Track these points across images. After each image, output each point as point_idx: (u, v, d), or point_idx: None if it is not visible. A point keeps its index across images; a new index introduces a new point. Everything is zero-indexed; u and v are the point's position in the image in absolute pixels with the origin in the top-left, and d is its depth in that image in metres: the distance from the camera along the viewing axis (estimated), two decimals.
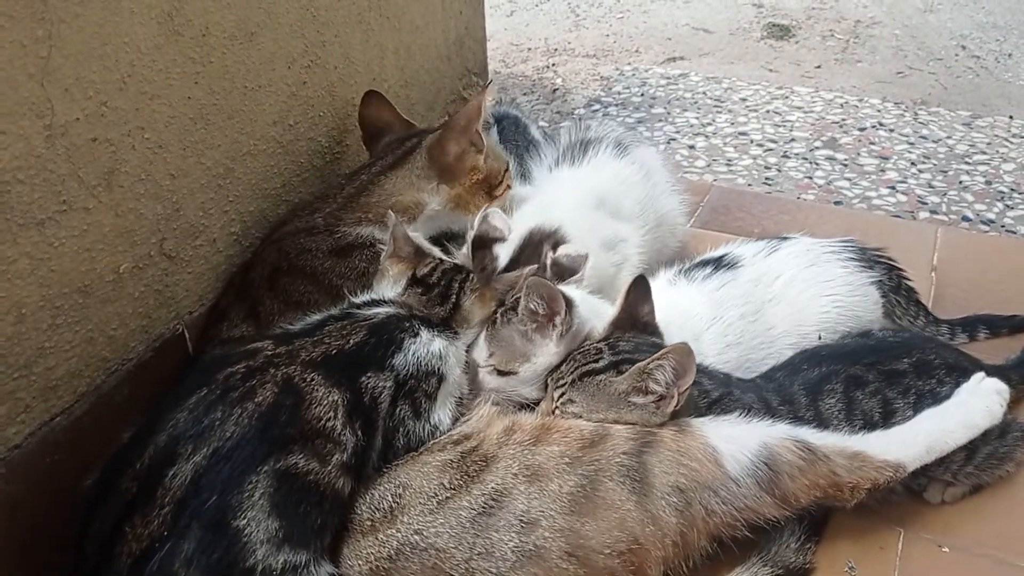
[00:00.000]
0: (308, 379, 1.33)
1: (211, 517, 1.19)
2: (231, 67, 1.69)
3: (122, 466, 1.26)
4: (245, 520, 1.20)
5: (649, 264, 1.95)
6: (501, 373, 1.55)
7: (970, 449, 1.50)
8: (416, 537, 1.32)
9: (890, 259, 1.87)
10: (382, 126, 1.99)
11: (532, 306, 1.49)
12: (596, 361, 1.46)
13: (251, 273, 1.73)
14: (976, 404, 1.46)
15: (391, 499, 1.37)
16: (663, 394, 1.40)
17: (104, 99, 1.44)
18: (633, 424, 1.41)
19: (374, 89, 2.02)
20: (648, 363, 1.38)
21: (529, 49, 3.99)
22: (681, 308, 1.69)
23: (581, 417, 1.44)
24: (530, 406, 1.55)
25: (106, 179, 1.46)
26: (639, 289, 1.53)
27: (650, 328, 1.52)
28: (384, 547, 1.33)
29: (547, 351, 1.52)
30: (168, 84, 1.55)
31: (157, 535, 1.19)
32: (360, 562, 1.34)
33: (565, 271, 1.63)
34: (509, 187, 2.00)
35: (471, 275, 1.60)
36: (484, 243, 1.72)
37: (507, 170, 2.00)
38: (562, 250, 1.67)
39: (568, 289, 1.56)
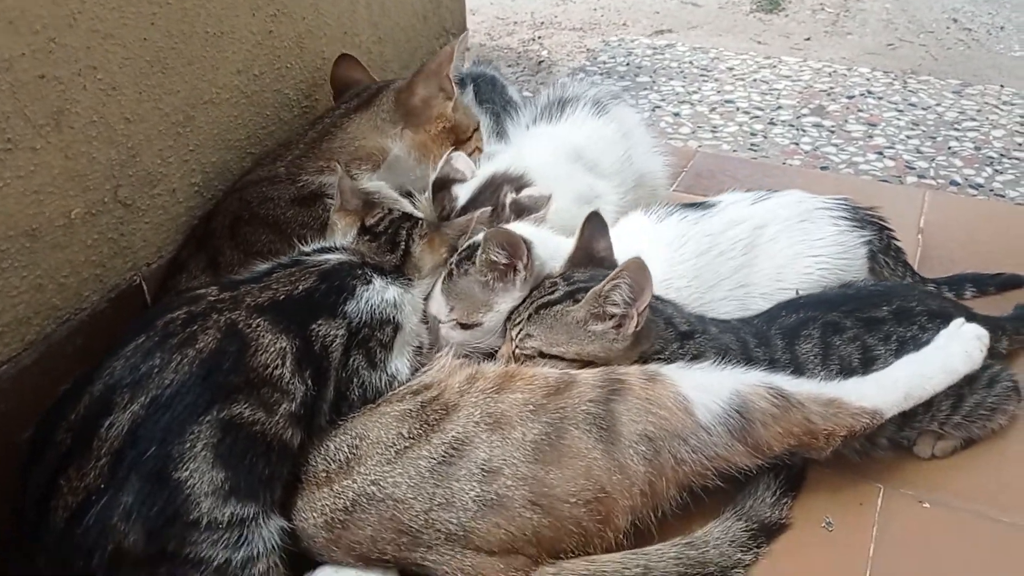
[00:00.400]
0: (254, 325, 1.27)
1: (151, 468, 1.14)
2: (191, 10, 1.63)
3: (57, 418, 1.21)
4: (187, 472, 1.15)
5: None
6: (465, 326, 1.49)
7: (957, 398, 1.46)
8: (373, 488, 1.28)
9: (881, 219, 1.82)
10: (353, 86, 1.93)
11: (493, 257, 1.44)
12: (551, 293, 1.42)
13: (212, 223, 1.68)
14: (955, 349, 1.41)
15: (347, 450, 1.32)
16: (622, 315, 1.35)
17: (52, 35, 1.38)
18: (595, 355, 1.36)
19: (347, 53, 1.97)
20: (603, 285, 1.34)
21: (515, 23, 3.93)
22: (632, 238, 1.64)
23: (541, 352, 1.39)
24: (495, 355, 1.50)
25: (55, 119, 1.40)
26: (594, 225, 1.49)
27: (607, 263, 1.48)
28: (340, 498, 1.28)
29: (510, 297, 1.47)
30: (122, 23, 1.49)
31: (93, 488, 1.14)
32: (315, 514, 1.29)
33: (525, 210, 1.58)
34: (479, 149, 1.94)
35: (420, 222, 1.55)
36: (445, 185, 1.67)
37: (477, 129, 1.95)
38: (525, 191, 1.62)
39: (525, 228, 1.51)
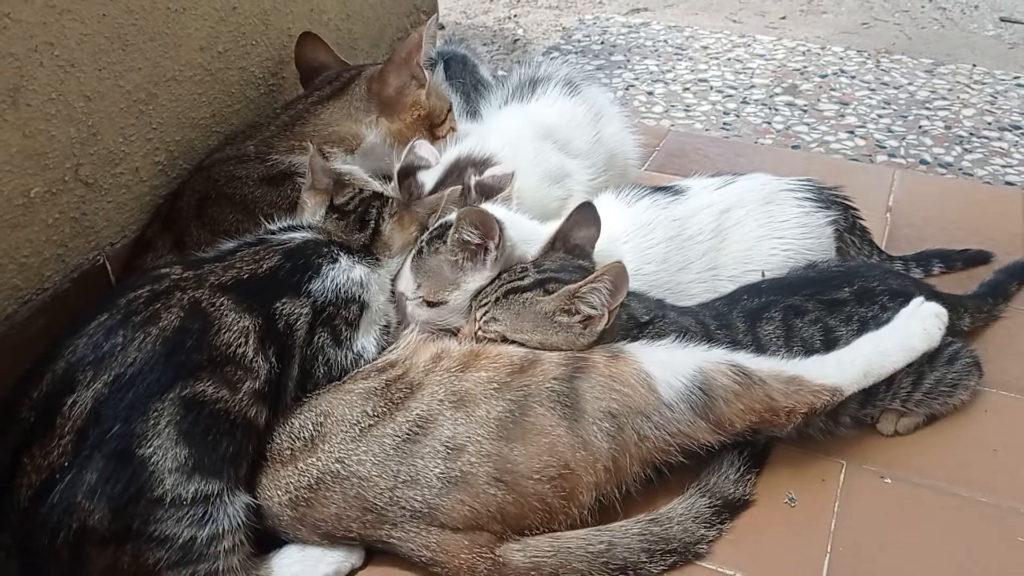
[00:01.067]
0: (217, 303, 1.26)
1: (114, 446, 1.14)
2: None
3: (20, 396, 1.20)
4: (151, 449, 1.15)
5: None
6: (431, 304, 1.49)
7: (917, 375, 1.47)
8: (337, 466, 1.28)
9: (845, 198, 1.83)
10: (318, 67, 1.91)
11: (465, 236, 1.43)
12: (521, 279, 1.42)
13: (179, 202, 1.66)
14: (914, 326, 1.43)
15: (312, 428, 1.32)
16: (592, 315, 1.36)
17: (7, 10, 1.35)
18: (557, 346, 1.37)
19: (310, 31, 1.94)
20: (581, 286, 1.34)
21: (491, 0, 3.90)
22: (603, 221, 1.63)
23: (504, 336, 1.39)
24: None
25: (11, 96, 1.38)
26: (582, 214, 1.49)
27: (579, 251, 1.48)
28: (304, 476, 1.29)
29: (479, 276, 1.46)
30: None
31: (57, 466, 1.14)
32: (279, 492, 1.29)
33: (491, 191, 1.58)
34: (453, 129, 1.93)
35: (390, 200, 1.54)
36: (411, 172, 1.66)
37: (450, 110, 1.93)
38: (488, 172, 1.61)
39: (498, 209, 1.50)
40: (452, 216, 1.48)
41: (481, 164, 1.68)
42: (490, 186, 1.59)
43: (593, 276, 1.34)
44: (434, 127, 1.88)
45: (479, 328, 1.41)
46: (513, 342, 1.39)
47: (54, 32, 1.44)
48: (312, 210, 1.51)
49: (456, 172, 1.68)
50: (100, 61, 1.53)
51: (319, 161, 1.53)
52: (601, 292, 1.34)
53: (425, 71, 1.84)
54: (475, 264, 1.46)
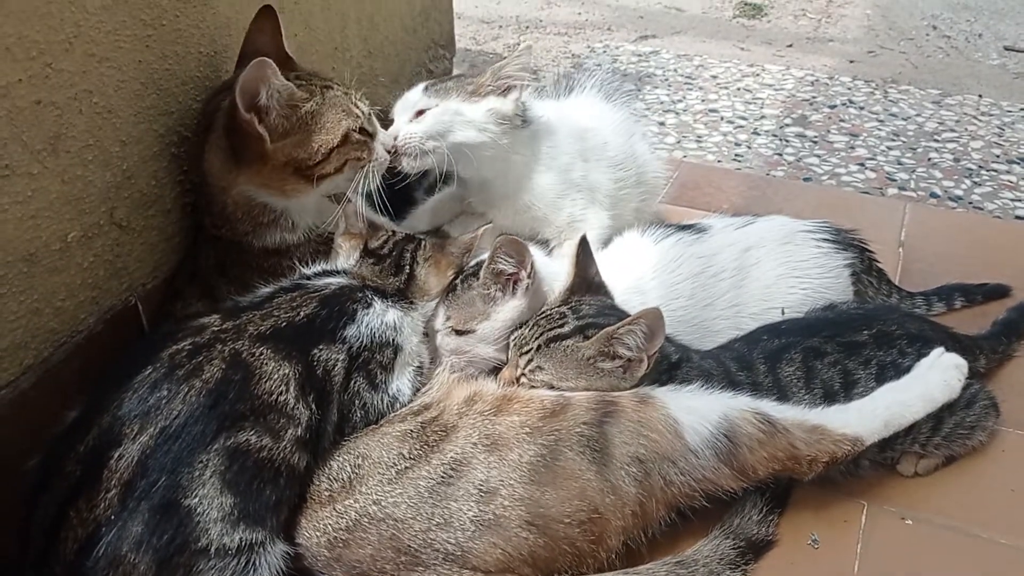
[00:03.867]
0: (257, 353, 1.29)
1: (160, 498, 1.16)
2: (185, 31, 1.64)
3: (65, 449, 1.22)
4: (196, 499, 1.17)
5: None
6: (459, 333, 1.53)
7: (936, 419, 1.50)
8: (374, 507, 1.30)
9: (862, 241, 1.87)
10: (257, 53, 1.54)
11: (500, 266, 1.48)
12: (561, 326, 1.45)
13: (199, 260, 1.68)
14: (934, 378, 1.46)
15: (350, 470, 1.35)
16: (631, 358, 1.39)
17: (49, 60, 1.38)
18: (602, 390, 1.40)
19: (270, 5, 1.66)
20: (617, 328, 1.37)
21: (500, 27, 3.95)
22: (628, 258, 1.72)
23: (551, 384, 1.43)
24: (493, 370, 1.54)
25: (51, 144, 1.41)
26: (585, 250, 1.54)
27: (602, 289, 1.53)
28: (342, 518, 1.31)
29: (509, 306, 1.51)
30: (117, 47, 1.50)
31: (103, 518, 1.16)
32: (317, 533, 1.32)
33: None
34: (358, 158, 1.59)
35: (423, 243, 1.57)
36: None
37: (344, 142, 1.56)
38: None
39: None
40: (486, 255, 1.53)
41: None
42: None
43: (630, 319, 1.37)
44: (307, 170, 1.54)
45: (523, 376, 1.44)
46: (560, 390, 1.42)
47: (93, 80, 1.46)
48: (346, 254, 1.54)
49: None
50: (136, 106, 1.56)
51: (351, 206, 1.56)
52: (637, 335, 1.37)
53: (294, 107, 1.51)
54: (505, 295, 1.52)
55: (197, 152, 1.61)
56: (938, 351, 1.49)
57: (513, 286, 1.51)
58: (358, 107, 1.61)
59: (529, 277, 1.50)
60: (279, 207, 1.59)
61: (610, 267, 1.62)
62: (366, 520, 1.30)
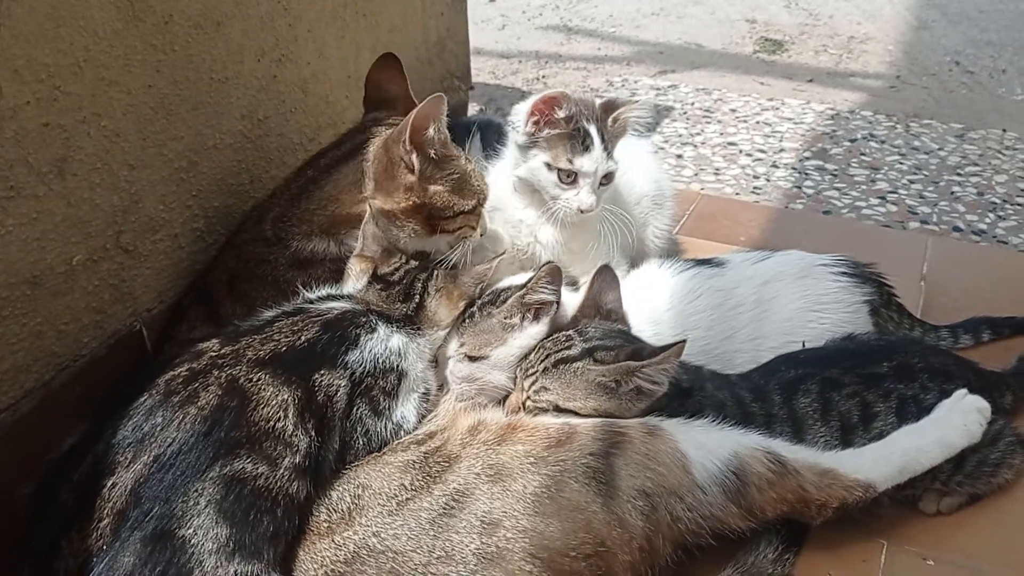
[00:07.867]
0: (254, 379, 1.26)
1: (153, 528, 1.13)
2: (196, 56, 1.64)
3: (59, 477, 1.21)
4: (191, 529, 1.14)
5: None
6: (472, 359, 1.50)
7: (958, 456, 1.44)
8: (374, 540, 1.26)
9: (880, 275, 1.83)
10: (384, 99, 1.75)
11: (540, 295, 1.48)
12: (568, 348, 1.43)
13: (210, 277, 1.67)
14: (954, 421, 1.40)
15: (349, 500, 1.31)
16: (648, 390, 1.37)
17: (57, 83, 1.39)
18: (610, 413, 1.37)
19: (391, 52, 1.81)
20: (645, 363, 1.34)
21: (520, 61, 3.96)
22: (647, 289, 1.71)
23: (557, 404, 1.39)
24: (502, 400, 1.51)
25: (58, 166, 1.41)
26: (604, 278, 1.52)
27: (614, 315, 1.50)
28: (341, 550, 1.27)
29: (528, 333, 1.50)
30: (127, 71, 1.51)
31: (95, 549, 1.13)
32: (315, 566, 1.28)
33: None
34: (471, 228, 1.66)
35: (435, 273, 1.54)
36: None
37: (472, 211, 1.65)
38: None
39: None
40: (504, 283, 1.54)
41: None
42: None
43: (661, 357, 1.34)
44: (435, 220, 1.62)
45: (528, 398, 1.41)
46: (565, 411, 1.39)
47: (102, 103, 1.47)
48: (357, 276, 1.52)
49: None
50: (145, 130, 1.56)
51: (371, 227, 1.54)
52: (667, 371, 1.35)
53: (423, 157, 1.57)
54: (527, 321, 1.50)
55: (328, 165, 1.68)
56: (960, 393, 1.44)
57: (537, 313, 1.50)
58: (486, 185, 1.70)
59: (557, 304, 1.50)
60: (377, 233, 1.57)
61: (627, 298, 1.60)
62: (365, 552, 1.25)
